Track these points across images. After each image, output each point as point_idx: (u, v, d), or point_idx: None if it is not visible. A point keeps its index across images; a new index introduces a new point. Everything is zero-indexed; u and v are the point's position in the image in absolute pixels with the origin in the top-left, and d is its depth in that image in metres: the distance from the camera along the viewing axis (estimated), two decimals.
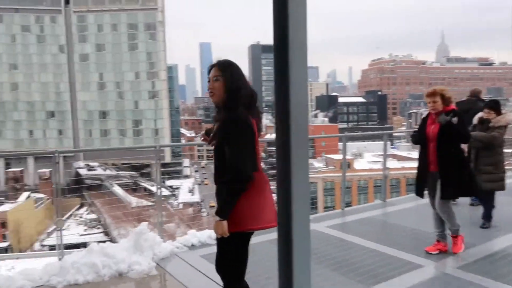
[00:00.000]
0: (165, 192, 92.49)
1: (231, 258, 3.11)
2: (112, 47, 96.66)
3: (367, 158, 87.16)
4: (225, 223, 2.88)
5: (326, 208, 74.56)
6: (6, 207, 71.35)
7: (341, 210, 8.74)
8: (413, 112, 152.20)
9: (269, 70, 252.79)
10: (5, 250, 65.87)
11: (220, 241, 3.04)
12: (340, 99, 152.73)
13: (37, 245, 69.30)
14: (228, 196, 2.90)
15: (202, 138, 3.54)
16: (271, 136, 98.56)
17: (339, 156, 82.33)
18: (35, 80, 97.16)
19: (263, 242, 5.67)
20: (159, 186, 7.59)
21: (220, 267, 3.17)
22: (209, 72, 3.31)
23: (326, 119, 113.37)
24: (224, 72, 3.13)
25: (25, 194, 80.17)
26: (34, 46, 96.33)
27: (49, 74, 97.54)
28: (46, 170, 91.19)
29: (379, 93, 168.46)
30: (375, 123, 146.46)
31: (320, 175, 75.67)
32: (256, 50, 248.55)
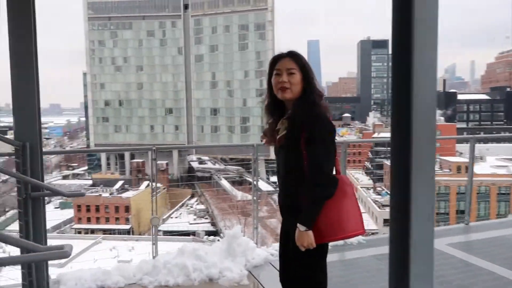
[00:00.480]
0: (269, 187, 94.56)
1: (311, 274, 2.74)
2: (224, 47, 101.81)
3: (490, 161, 77.83)
4: (311, 233, 2.58)
5: (438, 215, 68.65)
6: (130, 193, 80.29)
7: (464, 224, 7.48)
8: None
9: (379, 66, 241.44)
10: (128, 231, 74.35)
11: (300, 254, 2.66)
12: (460, 96, 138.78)
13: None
14: (313, 202, 2.61)
15: (264, 140, 3.18)
16: (378, 135, 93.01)
17: (455, 159, 75.09)
18: (157, 80, 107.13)
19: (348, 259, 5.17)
20: (255, 184, 7.26)
21: (297, 284, 2.79)
22: (274, 64, 2.96)
23: (442, 118, 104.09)
24: (300, 64, 2.82)
25: (145, 183, 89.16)
26: (157, 49, 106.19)
27: (168, 74, 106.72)
28: (163, 162, 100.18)
29: (508, 89, 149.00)
30: (502, 123, 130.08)
31: None
32: (366, 46, 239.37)
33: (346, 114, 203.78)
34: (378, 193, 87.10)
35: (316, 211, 2.60)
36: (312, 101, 2.73)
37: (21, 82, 3.52)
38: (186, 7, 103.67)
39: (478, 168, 70.37)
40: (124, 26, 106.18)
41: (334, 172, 2.77)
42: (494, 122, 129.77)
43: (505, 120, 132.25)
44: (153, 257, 5.87)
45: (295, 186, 2.72)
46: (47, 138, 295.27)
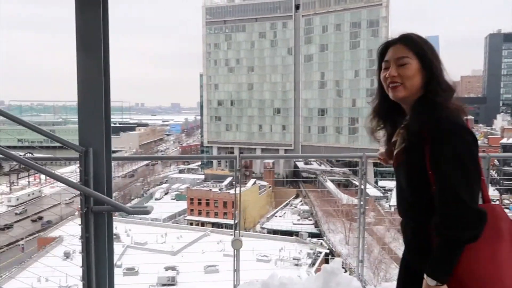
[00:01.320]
0: (377, 192, 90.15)
1: None
2: (334, 46, 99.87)
3: None
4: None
5: None
6: (237, 190, 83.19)
7: None
8: None
9: (510, 62, 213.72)
10: (234, 226, 77.44)
11: None
12: None
13: (258, 227, 78.81)
14: (447, 246, 1.85)
15: (381, 158, 2.51)
16: (508, 140, 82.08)
17: None
18: (267, 81, 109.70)
19: None
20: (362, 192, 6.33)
21: None
22: (382, 53, 2.36)
23: None
24: (416, 49, 2.14)
25: (252, 181, 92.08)
26: (268, 50, 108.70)
27: (278, 75, 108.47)
28: (270, 161, 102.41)
29: None
30: None
31: None
32: (496, 40, 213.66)
33: (469, 117, 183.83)
34: (506, 207, 76.88)
35: (451, 259, 1.85)
36: (437, 100, 2.03)
37: (87, 77, 3.18)
38: (297, 7, 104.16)
39: None
40: (238, 29, 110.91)
41: (480, 201, 1.98)
42: None
43: None
44: (234, 286, 5.32)
45: (422, 220, 2.00)
46: (167, 135, 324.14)
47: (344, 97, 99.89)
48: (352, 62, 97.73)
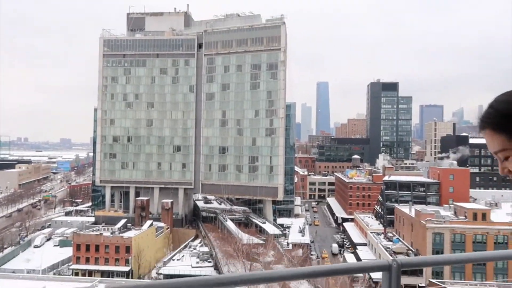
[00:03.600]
0: (276, 230, 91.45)
1: None
2: (235, 86, 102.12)
3: (506, 209, 74.76)
4: None
5: (453, 266, 65.14)
6: (132, 233, 77.93)
7: None
8: None
9: (388, 108, 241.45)
10: (127, 274, 71.46)
11: None
12: (472, 140, 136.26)
13: (153, 272, 73.68)
14: None
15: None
16: (389, 178, 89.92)
17: (471, 205, 72.04)
18: (167, 117, 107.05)
19: None
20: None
21: None
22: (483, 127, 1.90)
23: (455, 162, 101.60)
24: (508, 133, 1.78)
25: (148, 222, 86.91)
26: (169, 86, 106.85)
27: (179, 112, 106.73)
28: (168, 201, 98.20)
29: None
30: None
31: (447, 225, 66.91)
32: (376, 88, 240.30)
33: (355, 156, 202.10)
34: (389, 239, 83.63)
35: None
36: None
37: None
38: (200, 46, 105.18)
39: (495, 216, 67.53)
40: (138, 64, 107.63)
41: None
42: None
43: None
44: None
45: None
46: (54, 173, 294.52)
47: (245, 136, 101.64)
48: (252, 102, 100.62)
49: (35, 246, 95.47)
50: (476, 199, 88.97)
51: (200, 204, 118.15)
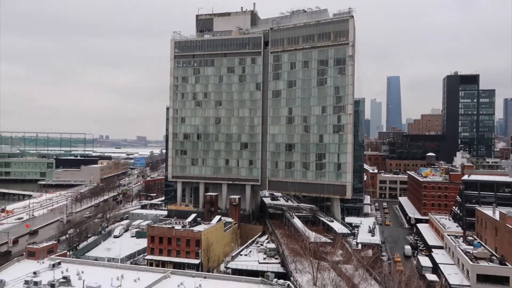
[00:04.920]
0: (344, 229, 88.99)
1: None
2: (302, 83, 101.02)
3: None
4: None
5: None
6: (201, 227, 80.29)
7: None
8: None
9: (467, 102, 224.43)
10: (197, 266, 73.73)
11: None
12: None
13: (222, 266, 75.19)
14: None
15: None
16: (468, 177, 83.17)
17: None
18: (234, 115, 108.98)
19: None
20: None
21: None
22: None
23: None
24: None
25: (217, 217, 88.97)
26: (236, 85, 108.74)
27: (246, 109, 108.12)
28: (236, 197, 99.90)
29: None
30: None
31: None
32: (453, 81, 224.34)
33: (430, 153, 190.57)
34: (469, 243, 77.22)
35: None
36: None
37: None
38: (266, 44, 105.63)
39: None
40: (207, 63, 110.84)
41: None
42: None
43: None
44: None
45: None
46: (131, 168, 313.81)
47: (312, 133, 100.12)
48: (319, 99, 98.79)
49: (115, 236, 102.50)
50: None
51: (267, 200, 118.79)
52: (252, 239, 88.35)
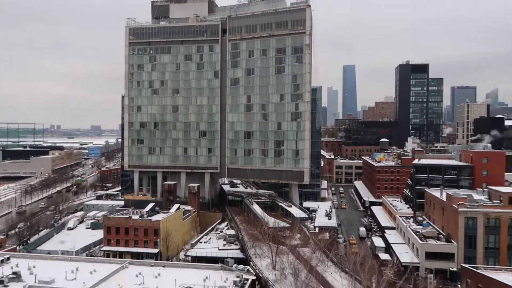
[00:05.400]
0: (302, 214, 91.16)
1: None
2: (260, 71, 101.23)
3: None
4: None
5: (487, 249, 63.13)
6: (160, 216, 79.37)
7: None
8: None
9: (417, 90, 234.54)
10: (156, 255, 73.03)
11: None
12: (508, 122, 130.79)
13: (181, 254, 74.99)
14: None
15: None
16: (419, 161, 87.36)
17: (507, 189, 69.24)
18: (192, 103, 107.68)
19: None
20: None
21: None
22: None
23: (489, 144, 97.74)
24: None
25: (176, 206, 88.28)
26: (194, 72, 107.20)
27: (204, 97, 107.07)
28: (195, 185, 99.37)
29: None
30: None
31: (481, 209, 64.57)
32: (405, 70, 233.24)
33: (383, 139, 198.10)
34: (419, 223, 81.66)
35: None
36: None
37: None
38: (224, 31, 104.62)
39: None
40: (163, 51, 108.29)
41: None
42: None
43: None
44: None
45: None
46: (85, 158, 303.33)
47: (270, 120, 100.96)
48: (277, 87, 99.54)
49: (69, 229, 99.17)
50: (511, 183, 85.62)
51: (226, 188, 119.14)
52: (212, 227, 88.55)
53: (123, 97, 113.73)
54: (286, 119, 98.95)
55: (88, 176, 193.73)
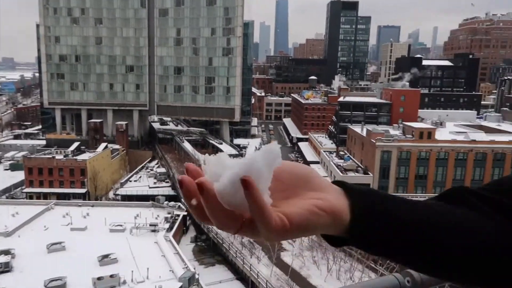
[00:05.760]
0: (232, 151, 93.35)
1: None
2: (190, 2, 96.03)
3: (450, 128, 79.76)
4: None
5: (398, 179, 70.46)
6: (86, 156, 76.62)
7: None
8: (507, 79, 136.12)
9: (347, 28, 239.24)
10: (84, 195, 71.51)
11: None
12: (425, 62, 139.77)
13: (111, 194, 74.25)
14: None
15: None
16: (344, 99, 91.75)
17: (419, 124, 76.09)
18: (118, 35, 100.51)
19: None
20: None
21: None
22: None
23: (407, 83, 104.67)
24: None
25: (103, 145, 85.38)
26: (118, 1, 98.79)
27: (130, 29, 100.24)
28: (123, 123, 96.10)
29: (471, 56, 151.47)
30: (461, 89, 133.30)
31: (395, 143, 70.86)
32: (336, 7, 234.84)
33: (312, 77, 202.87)
34: (341, 157, 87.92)
35: None
36: None
37: None
38: None
39: (439, 134, 71.99)
40: None
41: None
42: (455, 89, 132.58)
43: (464, 87, 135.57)
44: None
45: None
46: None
47: (201, 55, 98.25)
48: (208, 20, 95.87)
49: None
50: (423, 119, 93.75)
51: (156, 125, 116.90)
52: (142, 165, 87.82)
53: (38, 25, 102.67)
54: (217, 55, 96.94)
55: (2, 114, 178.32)
